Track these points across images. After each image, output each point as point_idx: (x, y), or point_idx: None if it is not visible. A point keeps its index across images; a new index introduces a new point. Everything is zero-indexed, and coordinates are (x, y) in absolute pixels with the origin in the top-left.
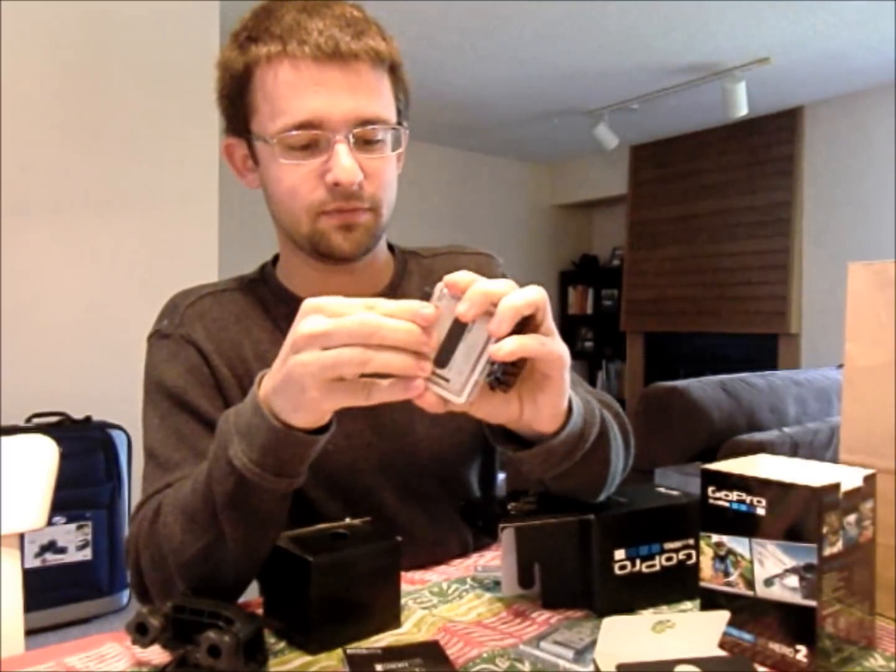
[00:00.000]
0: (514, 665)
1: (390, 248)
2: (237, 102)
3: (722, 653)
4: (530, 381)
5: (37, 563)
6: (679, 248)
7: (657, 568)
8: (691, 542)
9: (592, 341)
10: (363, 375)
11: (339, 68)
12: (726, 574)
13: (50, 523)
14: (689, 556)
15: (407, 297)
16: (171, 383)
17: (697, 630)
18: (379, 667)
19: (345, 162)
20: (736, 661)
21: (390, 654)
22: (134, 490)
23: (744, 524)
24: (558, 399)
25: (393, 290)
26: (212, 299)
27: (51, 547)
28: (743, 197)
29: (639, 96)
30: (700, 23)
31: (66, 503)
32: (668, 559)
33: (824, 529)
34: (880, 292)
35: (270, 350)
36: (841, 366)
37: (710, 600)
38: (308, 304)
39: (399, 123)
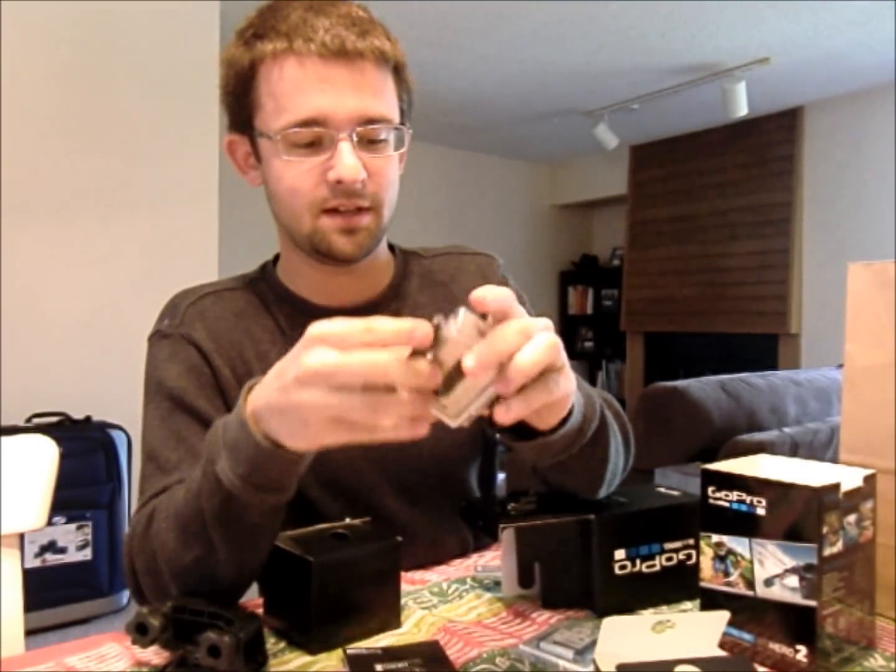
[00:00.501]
0: (514, 665)
1: (391, 248)
2: (241, 99)
3: (722, 653)
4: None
5: (37, 563)
6: (679, 248)
7: (657, 568)
8: (691, 542)
9: (592, 341)
10: None
11: (344, 66)
12: (726, 574)
13: (50, 523)
14: (689, 556)
15: (408, 298)
16: (172, 384)
17: (697, 630)
18: (379, 667)
19: (348, 160)
20: (736, 661)
21: (390, 654)
22: (134, 490)
23: (744, 524)
24: (560, 412)
25: (394, 291)
26: (213, 299)
27: (51, 547)
28: (743, 197)
29: (639, 96)
30: (700, 23)
31: (66, 503)
32: (669, 559)
33: (824, 529)
34: (880, 292)
35: (271, 350)
36: (841, 366)
37: (710, 600)
38: (312, 333)
39: (402, 124)
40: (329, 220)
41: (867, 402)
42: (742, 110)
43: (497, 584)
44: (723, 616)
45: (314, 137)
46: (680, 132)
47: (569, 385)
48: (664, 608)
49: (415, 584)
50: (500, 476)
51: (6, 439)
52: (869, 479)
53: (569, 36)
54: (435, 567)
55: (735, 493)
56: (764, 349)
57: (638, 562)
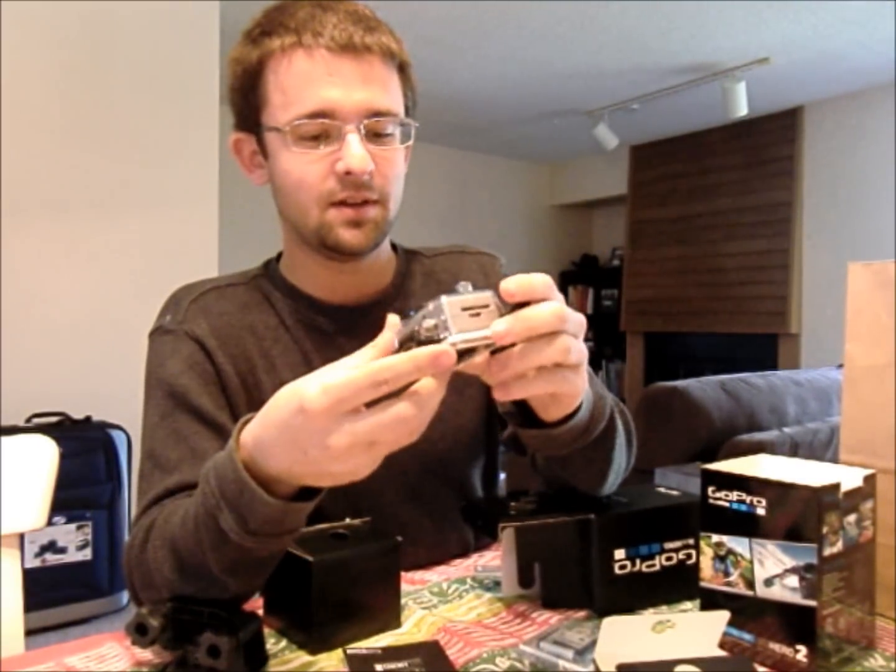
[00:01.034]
0: (514, 665)
1: (393, 247)
2: (249, 95)
3: (722, 653)
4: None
5: (37, 563)
6: (679, 248)
7: (657, 568)
8: (691, 542)
9: (592, 341)
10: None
11: (352, 60)
12: (726, 574)
13: (50, 523)
14: (689, 556)
15: (410, 296)
16: (173, 381)
17: (697, 630)
18: (379, 667)
19: (357, 150)
20: (736, 661)
21: (390, 654)
22: (134, 490)
23: (744, 524)
24: (566, 407)
25: (397, 289)
26: (215, 294)
27: (51, 547)
28: (743, 197)
29: (639, 96)
30: (700, 23)
31: (66, 503)
32: (668, 559)
33: (824, 529)
34: (880, 292)
35: (274, 347)
36: (841, 366)
37: (710, 600)
38: (318, 405)
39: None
40: (336, 213)
41: (867, 402)
42: (742, 110)
43: (497, 584)
44: (723, 616)
45: (322, 130)
46: (680, 132)
47: (578, 383)
48: (664, 608)
49: (415, 584)
50: (501, 476)
51: (6, 439)
52: (869, 479)
53: (569, 36)
54: (435, 567)
55: (735, 493)
56: (764, 349)
57: (638, 562)
